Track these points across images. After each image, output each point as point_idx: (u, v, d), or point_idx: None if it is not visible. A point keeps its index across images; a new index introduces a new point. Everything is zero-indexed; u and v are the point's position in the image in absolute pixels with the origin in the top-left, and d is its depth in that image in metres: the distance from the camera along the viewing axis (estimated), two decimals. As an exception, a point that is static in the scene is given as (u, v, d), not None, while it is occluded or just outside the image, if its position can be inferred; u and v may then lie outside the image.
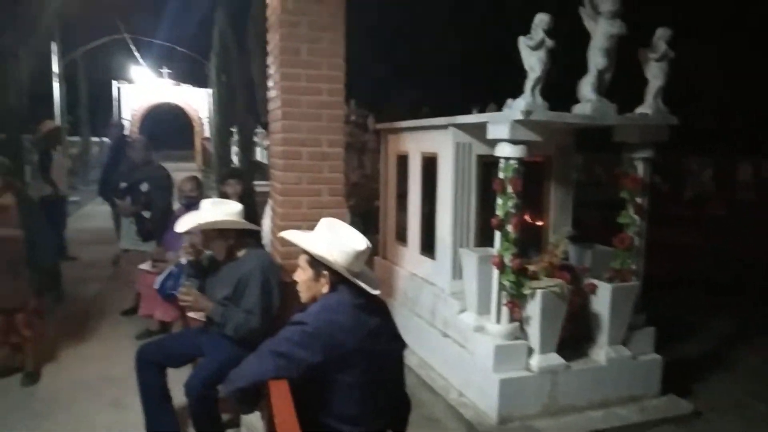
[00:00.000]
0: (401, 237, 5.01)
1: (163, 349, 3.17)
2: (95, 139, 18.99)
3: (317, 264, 2.09)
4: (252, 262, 3.02)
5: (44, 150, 7.14)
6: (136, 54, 18.72)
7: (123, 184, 5.18)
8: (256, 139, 13.17)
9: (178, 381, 3.01)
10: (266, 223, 4.57)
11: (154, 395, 3.08)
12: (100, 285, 6.37)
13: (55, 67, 13.96)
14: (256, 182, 6.80)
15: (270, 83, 3.98)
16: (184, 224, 3.03)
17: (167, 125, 22.00)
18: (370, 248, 2.12)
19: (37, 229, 3.94)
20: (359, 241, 2.10)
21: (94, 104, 19.13)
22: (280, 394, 1.81)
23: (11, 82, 12.33)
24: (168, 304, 4.49)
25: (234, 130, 12.37)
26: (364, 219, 7.19)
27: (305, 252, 2.13)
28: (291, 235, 2.18)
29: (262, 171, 9.83)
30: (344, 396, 1.98)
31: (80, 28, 14.58)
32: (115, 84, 21.11)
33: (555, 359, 3.58)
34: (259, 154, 14.08)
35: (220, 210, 3.00)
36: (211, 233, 3.02)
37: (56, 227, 6.32)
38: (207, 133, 21.84)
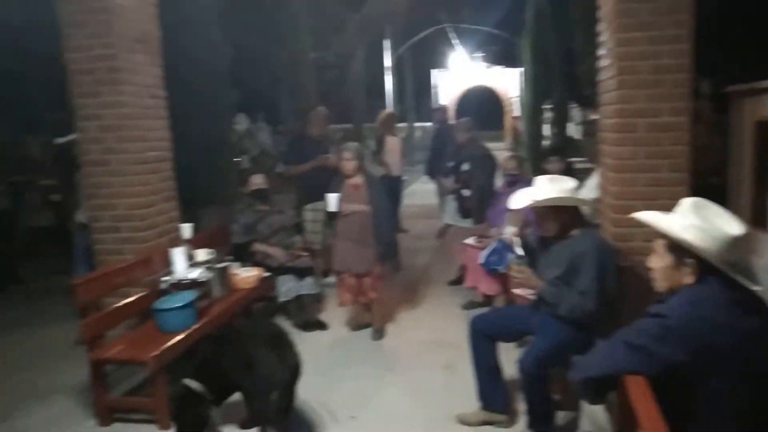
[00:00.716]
0: (760, 221, 4.17)
1: (494, 323, 3.27)
2: (418, 124, 21.04)
3: (679, 250, 1.82)
4: (587, 241, 2.86)
5: (380, 135, 8.00)
6: (454, 42, 19.91)
7: (450, 164, 5.53)
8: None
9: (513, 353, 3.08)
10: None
11: (485, 365, 3.20)
12: (428, 256, 6.99)
13: (387, 62, 15.85)
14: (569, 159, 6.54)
15: (601, 52, 3.69)
16: (519, 201, 3.04)
17: (479, 107, 22.93)
18: (750, 234, 1.75)
19: (381, 206, 4.46)
20: (735, 226, 1.76)
21: (417, 93, 21.17)
22: (640, 392, 1.63)
23: (351, 79, 14.47)
24: (491, 278, 4.65)
25: (546, 107, 12.17)
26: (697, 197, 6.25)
27: (663, 236, 1.88)
28: (648, 216, 1.94)
29: (575, 147, 9.45)
30: (713, 408, 1.69)
31: (407, 24, 16.20)
32: (434, 72, 22.91)
33: None
34: (572, 130, 13.57)
35: (556, 187, 2.90)
36: (546, 210, 2.95)
37: (393, 203, 7.15)
38: (516, 112, 22.07)
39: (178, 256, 3.89)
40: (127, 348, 3.32)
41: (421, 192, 11.59)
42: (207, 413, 2.72)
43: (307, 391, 3.33)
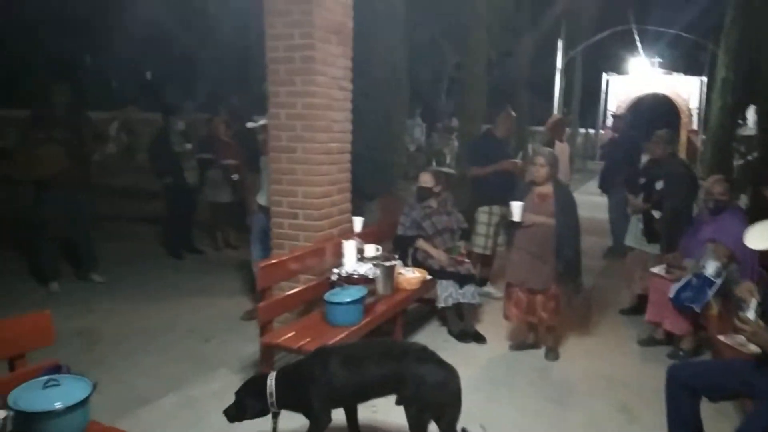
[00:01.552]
0: None
1: (700, 374, 2.79)
2: (581, 130, 19.76)
3: None
4: None
5: (548, 141, 7.50)
6: (638, 44, 18.30)
7: (641, 180, 4.97)
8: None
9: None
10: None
11: (682, 422, 2.75)
12: (593, 277, 6.39)
13: (559, 63, 15.01)
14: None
15: None
16: (760, 238, 2.52)
17: (649, 117, 21.09)
18: None
19: (568, 220, 4.08)
20: None
21: (584, 97, 19.88)
22: None
23: (518, 80, 13.90)
24: (680, 316, 4.10)
25: (742, 121, 10.63)
26: None
27: None
28: None
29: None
30: None
31: (582, 23, 15.23)
32: (605, 76, 21.35)
33: None
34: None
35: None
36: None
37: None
38: (694, 125, 19.93)
39: (350, 249, 3.86)
40: (296, 336, 3.33)
41: (580, 203, 10.74)
42: (255, 412, 2.60)
43: (467, 410, 3.06)
